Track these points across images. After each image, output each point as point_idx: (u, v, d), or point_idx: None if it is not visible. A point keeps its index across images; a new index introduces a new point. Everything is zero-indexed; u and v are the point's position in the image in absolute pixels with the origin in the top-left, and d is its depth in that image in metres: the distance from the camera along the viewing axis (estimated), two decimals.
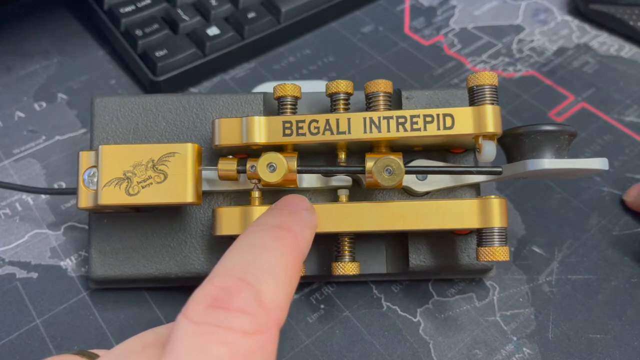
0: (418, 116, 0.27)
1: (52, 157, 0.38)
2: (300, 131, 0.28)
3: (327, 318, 0.31)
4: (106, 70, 0.44)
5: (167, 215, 0.31)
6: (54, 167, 0.38)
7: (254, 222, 0.24)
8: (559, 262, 0.34)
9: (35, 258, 0.33)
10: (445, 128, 0.27)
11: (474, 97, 0.28)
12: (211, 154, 0.31)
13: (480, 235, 0.27)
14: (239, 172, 0.28)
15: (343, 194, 0.29)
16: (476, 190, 0.31)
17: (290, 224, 0.24)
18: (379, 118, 0.28)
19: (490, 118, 0.27)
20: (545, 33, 0.47)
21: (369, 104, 0.29)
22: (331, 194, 0.31)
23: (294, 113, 0.29)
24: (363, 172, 0.28)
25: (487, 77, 0.27)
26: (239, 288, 0.20)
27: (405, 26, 0.48)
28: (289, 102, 0.29)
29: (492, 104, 0.27)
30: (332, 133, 0.28)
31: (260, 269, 0.21)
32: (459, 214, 0.27)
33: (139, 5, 0.44)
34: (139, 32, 0.42)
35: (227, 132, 0.28)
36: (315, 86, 0.33)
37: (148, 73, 0.41)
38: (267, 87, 0.41)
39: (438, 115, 0.27)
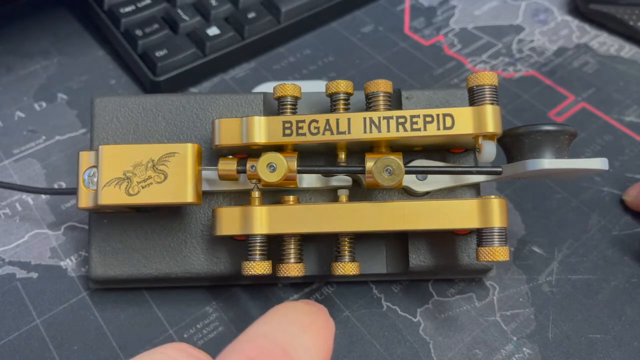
0: (418, 116, 0.27)
1: (52, 157, 0.38)
2: (300, 131, 0.28)
3: None
4: (106, 70, 0.44)
5: (167, 215, 0.31)
6: (54, 167, 0.38)
7: (291, 302, 0.24)
8: (559, 262, 0.34)
9: (35, 258, 0.33)
10: (445, 128, 0.27)
11: (474, 97, 0.28)
12: (211, 154, 0.31)
13: (480, 235, 0.27)
14: (239, 172, 0.28)
15: (343, 194, 0.29)
16: (476, 190, 0.31)
17: (327, 318, 0.23)
18: (379, 118, 0.28)
19: (490, 118, 0.27)
20: (545, 33, 0.47)
21: (369, 104, 0.29)
22: (331, 194, 0.31)
23: (294, 113, 0.29)
24: (363, 172, 0.28)
25: (487, 77, 0.27)
26: (282, 357, 0.19)
27: (405, 26, 0.48)
28: (289, 102, 0.29)
29: (492, 104, 0.27)
30: (332, 133, 0.28)
31: (304, 348, 0.20)
32: (459, 214, 0.27)
33: (139, 5, 0.44)
34: (139, 32, 0.42)
35: (227, 132, 0.28)
36: (315, 86, 0.33)
37: (148, 73, 0.41)
38: (267, 87, 0.41)
39: (438, 115, 0.27)
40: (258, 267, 0.28)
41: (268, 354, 0.19)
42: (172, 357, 0.19)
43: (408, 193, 0.31)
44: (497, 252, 0.27)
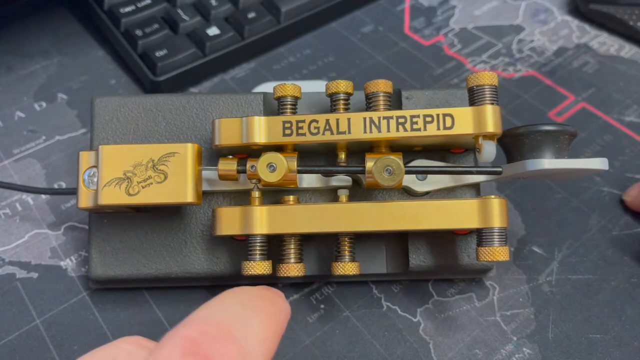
0: (418, 116, 0.27)
1: (52, 157, 0.38)
2: (300, 131, 0.28)
3: (327, 318, 0.31)
4: (106, 70, 0.44)
5: (167, 215, 0.31)
6: (54, 167, 0.38)
7: (240, 287, 0.23)
8: (559, 262, 0.34)
9: (35, 258, 0.33)
10: (445, 128, 0.27)
11: (474, 97, 0.28)
12: (211, 154, 0.31)
13: (480, 235, 0.27)
14: (239, 172, 0.28)
15: (343, 194, 0.29)
16: (476, 190, 0.31)
17: (274, 297, 0.23)
18: (379, 118, 0.28)
19: (490, 118, 0.27)
20: (545, 33, 0.47)
21: (369, 104, 0.29)
22: (331, 194, 0.31)
23: (294, 113, 0.29)
24: (363, 172, 0.28)
25: (487, 77, 0.27)
26: (225, 339, 0.18)
27: (405, 26, 0.48)
28: (289, 102, 0.29)
29: (492, 104, 0.27)
30: (332, 133, 0.28)
31: (251, 331, 0.19)
32: (459, 214, 0.27)
33: (139, 5, 0.44)
34: (139, 32, 0.42)
35: (227, 132, 0.28)
36: (315, 86, 0.33)
37: (148, 73, 0.41)
38: (267, 87, 0.41)
39: (438, 115, 0.27)
40: (258, 267, 0.28)
41: (210, 336, 0.18)
42: (125, 350, 0.19)
43: (408, 193, 0.31)
44: (497, 252, 0.27)
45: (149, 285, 0.32)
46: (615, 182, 0.37)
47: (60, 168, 0.38)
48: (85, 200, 0.28)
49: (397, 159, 0.27)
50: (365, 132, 0.28)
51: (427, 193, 0.31)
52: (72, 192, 0.32)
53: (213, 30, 0.43)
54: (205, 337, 0.18)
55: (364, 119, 0.28)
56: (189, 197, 0.27)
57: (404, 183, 0.30)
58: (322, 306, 0.32)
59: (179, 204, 0.28)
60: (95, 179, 0.28)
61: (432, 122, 0.27)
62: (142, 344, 0.20)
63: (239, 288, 0.23)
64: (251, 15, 0.44)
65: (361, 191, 0.31)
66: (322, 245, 0.31)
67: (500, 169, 0.29)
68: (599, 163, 0.28)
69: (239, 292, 0.22)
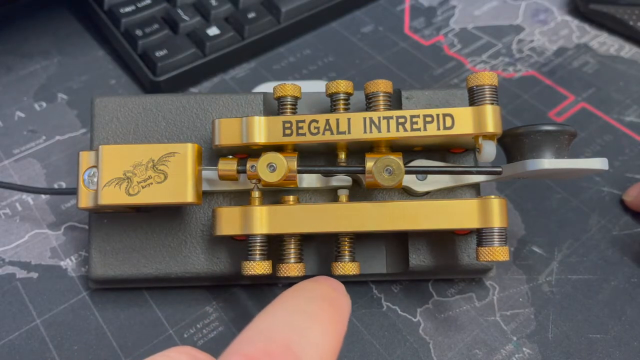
0: (418, 116, 0.27)
1: (52, 157, 0.38)
2: (300, 131, 0.28)
3: None
4: (106, 70, 0.44)
5: (167, 215, 0.31)
6: (54, 167, 0.38)
7: (297, 287, 0.22)
8: (559, 262, 0.34)
9: (35, 258, 0.33)
10: (445, 128, 0.27)
11: (473, 97, 0.28)
12: (211, 154, 0.31)
13: (480, 235, 0.27)
14: (239, 172, 0.28)
15: (343, 194, 0.29)
16: (476, 190, 0.31)
17: (336, 299, 0.22)
18: (379, 118, 0.28)
19: (490, 118, 0.27)
20: (545, 33, 0.47)
21: (369, 104, 0.29)
22: (331, 194, 0.31)
23: (294, 113, 0.29)
24: (363, 172, 0.28)
25: (487, 77, 0.27)
26: (285, 357, 0.18)
27: (405, 26, 0.48)
28: (289, 102, 0.29)
29: (492, 104, 0.27)
30: (332, 133, 0.28)
31: (311, 343, 0.19)
32: (459, 214, 0.27)
33: (139, 5, 0.44)
34: (139, 32, 0.42)
35: (227, 132, 0.28)
36: (315, 86, 0.33)
37: (148, 73, 0.41)
38: (267, 87, 0.41)
39: (438, 115, 0.27)
40: (258, 267, 0.28)
41: (270, 354, 0.18)
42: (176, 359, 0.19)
43: (408, 193, 0.31)
44: (497, 252, 0.27)
45: (149, 285, 0.32)
46: (615, 182, 0.37)
47: (60, 168, 0.38)
48: (85, 200, 0.28)
49: (397, 159, 0.27)
50: (365, 132, 0.28)
51: (427, 193, 0.31)
52: (72, 192, 0.32)
53: (213, 30, 0.43)
54: (266, 356, 0.18)
55: (364, 119, 0.28)
56: (189, 197, 0.27)
57: (404, 183, 0.30)
58: None
59: (179, 204, 0.28)
60: (95, 179, 0.28)
61: (432, 122, 0.27)
62: (192, 354, 0.19)
63: (300, 288, 0.22)
64: (251, 15, 0.44)
65: (361, 191, 0.31)
66: (322, 245, 0.31)
67: (500, 169, 0.29)
68: (599, 163, 0.28)
69: (300, 295, 0.21)
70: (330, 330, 0.20)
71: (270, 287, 0.33)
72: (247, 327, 0.20)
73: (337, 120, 0.28)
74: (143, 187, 0.27)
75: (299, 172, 0.28)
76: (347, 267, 0.28)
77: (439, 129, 0.27)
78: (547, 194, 0.37)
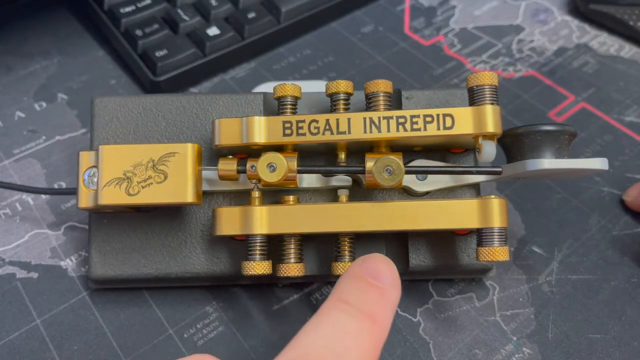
0: (418, 116, 0.27)
1: (52, 157, 0.38)
2: (300, 131, 0.28)
3: None
4: (106, 70, 0.44)
5: (167, 215, 0.31)
6: (54, 167, 0.38)
7: (343, 296, 0.22)
8: (559, 262, 0.34)
9: (35, 258, 0.33)
10: (445, 128, 0.27)
11: (473, 97, 0.28)
12: (211, 154, 0.31)
13: (480, 235, 0.27)
14: (239, 172, 0.28)
15: (343, 194, 0.29)
16: (476, 190, 0.31)
17: (380, 313, 0.22)
18: (379, 118, 0.28)
19: (490, 118, 0.27)
20: (545, 33, 0.47)
21: (369, 104, 0.29)
22: (331, 194, 0.31)
23: (294, 113, 0.29)
24: (363, 172, 0.28)
25: (487, 77, 0.27)
26: None
27: (405, 26, 0.48)
28: (289, 102, 0.29)
29: (492, 104, 0.27)
30: (332, 133, 0.28)
31: None
32: (459, 214, 0.27)
33: (139, 5, 0.44)
34: (139, 32, 0.42)
35: (227, 132, 0.28)
36: (315, 86, 0.33)
37: (148, 73, 0.41)
38: (267, 87, 0.41)
39: (438, 115, 0.27)
40: (258, 267, 0.28)
41: None
42: None
43: (408, 193, 0.31)
44: (497, 252, 0.27)
45: (149, 285, 0.32)
46: (615, 182, 0.37)
47: (60, 168, 0.38)
48: (85, 200, 0.28)
49: (397, 159, 0.27)
50: (365, 132, 0.28)
51: (427, 193, 0.31)
52: (72, 192, 0.32)
53: (213, 30, 0.43)
54: None
55: (364, 119, 0.28)
56: (189, 197, 0.27)
57: (404, 183, 0.30)
58: None
59: (179, 204, 0.28)
60: (95, 179, 0.28)
61: (432, 122, 0.27)
62: None
63: (336, 299, 0.22)
64: (251, 15, 0.44)
65: (361, 191, 0.31)
66: (322, 245, 0.31)
67: (500, 169, 0.29)
68: (599, 163, 0.28)
69: (345, 309, 0.21)
70: (369, 356, 0.21)
71: (270, 287, 0.33)
72: (291, 343, 0.20)
73: (337, 120, 0.28)
74: (143, 187, 0.27)
75: (299, 172, 0.28)
76: (347, 267, 0.28)
77: (439, 129, 0.27)
78: (547, 194, 0.37)
